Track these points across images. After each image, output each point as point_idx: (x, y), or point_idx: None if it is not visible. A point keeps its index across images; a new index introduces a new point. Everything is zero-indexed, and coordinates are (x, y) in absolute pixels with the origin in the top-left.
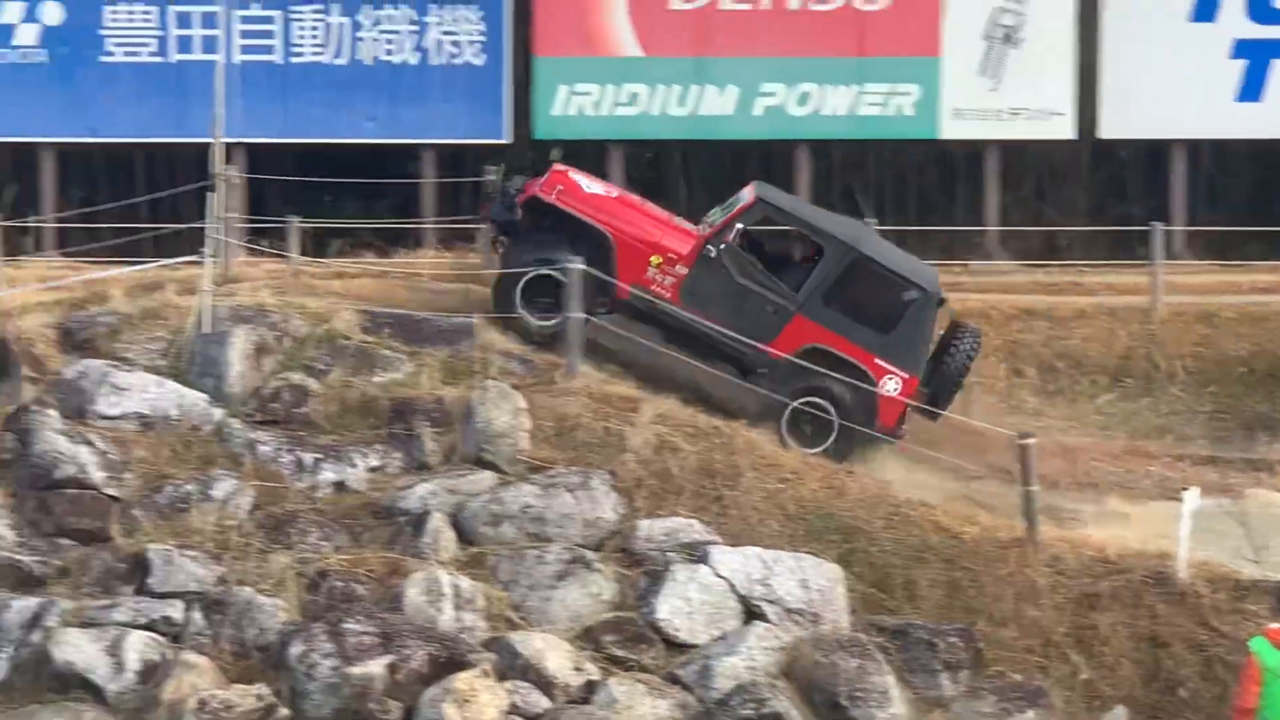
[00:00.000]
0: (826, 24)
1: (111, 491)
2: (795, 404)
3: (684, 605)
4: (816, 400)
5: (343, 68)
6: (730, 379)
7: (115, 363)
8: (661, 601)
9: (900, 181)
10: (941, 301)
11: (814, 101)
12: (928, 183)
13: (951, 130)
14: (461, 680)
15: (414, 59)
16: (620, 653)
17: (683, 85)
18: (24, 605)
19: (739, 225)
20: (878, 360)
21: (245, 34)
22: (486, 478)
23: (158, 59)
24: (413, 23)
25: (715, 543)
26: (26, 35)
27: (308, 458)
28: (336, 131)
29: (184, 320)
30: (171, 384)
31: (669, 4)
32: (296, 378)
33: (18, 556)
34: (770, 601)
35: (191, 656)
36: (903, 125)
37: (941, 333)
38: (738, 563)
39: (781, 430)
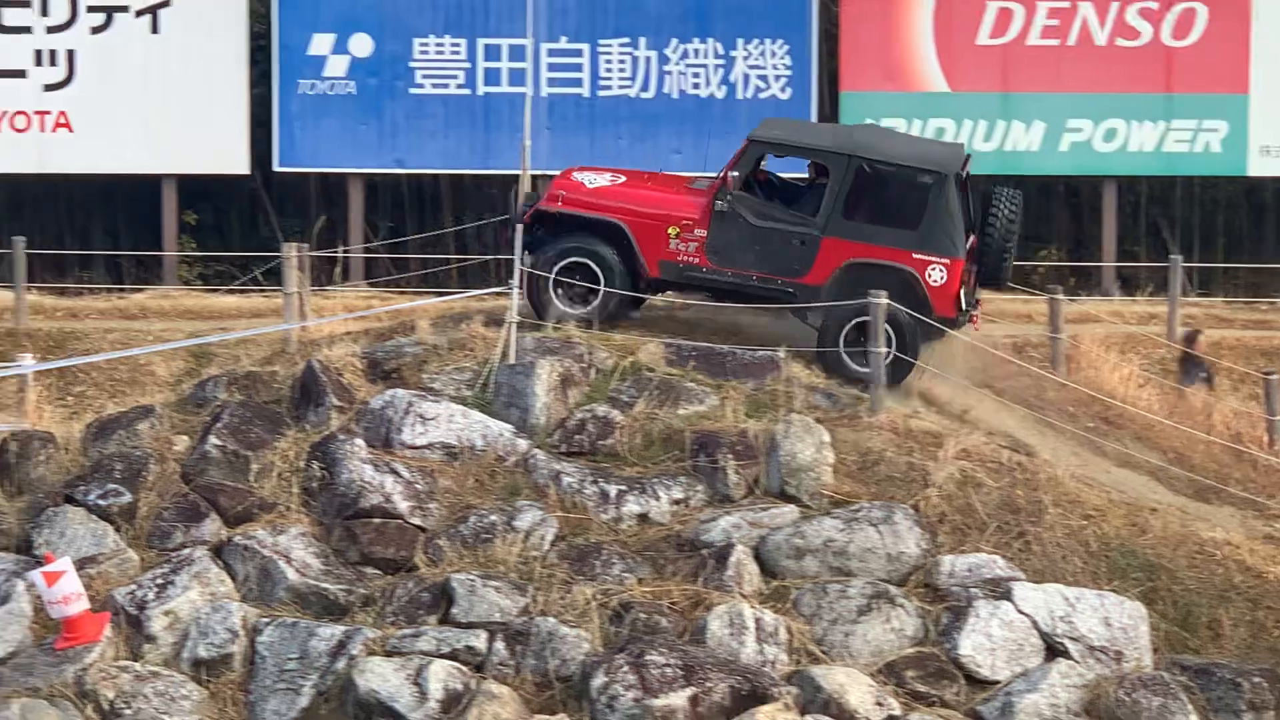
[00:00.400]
0: (1134, 60)
1: (416, 521)
2: (849, 326)
3: (986, 641)
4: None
5: (649, 101)
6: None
7: (421, 392)
8: (964, 638)
9: (1208, 217)
10: (961, 176)
11: (1120, 137)
12: (1235, 219)
13: (1259, 167)
14: (763, 714)
15: (720, 93)
16: (922, 688)
17: (989, 120)
18: (329, 633)
19: (735, 173)
20: (915, 255)
21: (553, 67)
22: (789, 511)
23: (465, 91)
24: (719, 57)
25: (1018, 579)
26: (336, 67)
27: (612, 489)
28: (642, 164)
29: (490, 351)
30: (477, 414)
31: (976, 39)
32: (601, 409)
33: (324, 585)
34: (1073, 639)
35: (494, 686)
36: (1210, 162)
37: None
38: (1040, 600)
39: (845, 360)
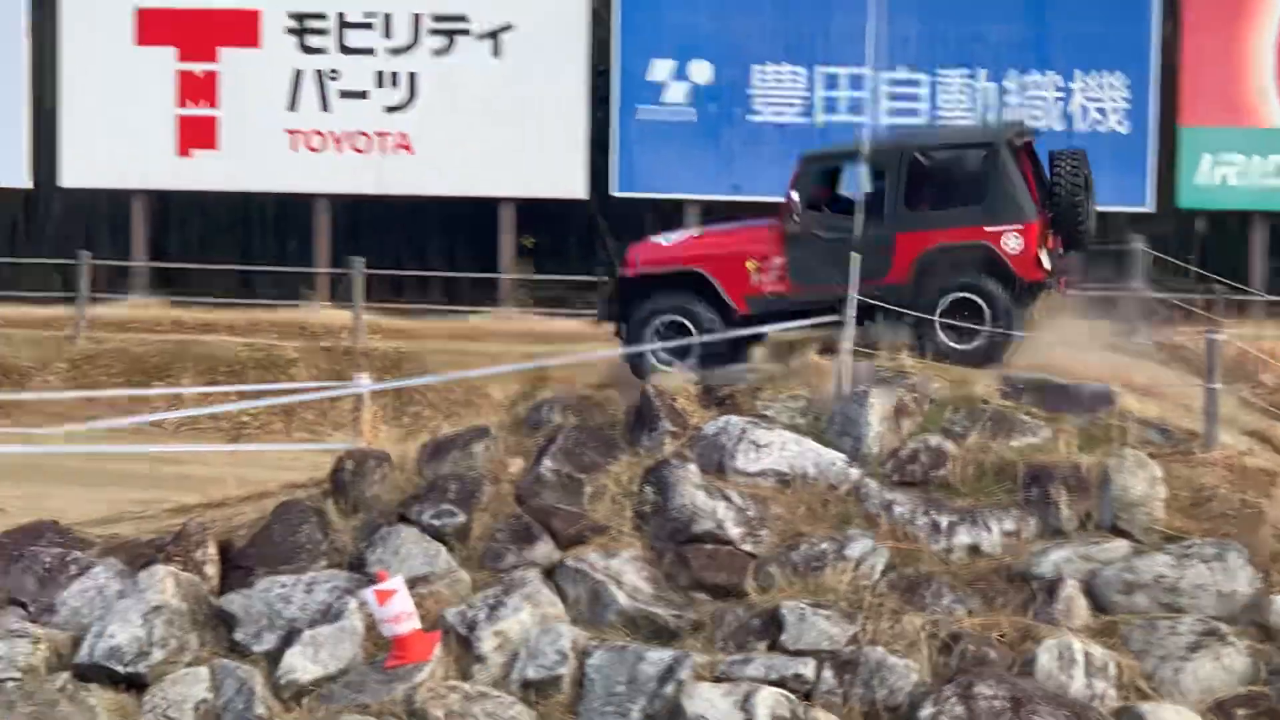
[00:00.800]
0: None
1: (748, 547)
2: (941, 310)
3: None
4: (964, 297)
5: None
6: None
7: (755, 419)
8: None
9: None
10: (1015, 142)
11: None
12: None
13: None
14: None
15: (1059, 125)
16: None
17: None
18: (658, 657)
19: (796, 193)
20: (987, 229)
21: (893, 96)
22: (1120, 546)
23: (803, 120)
24: (1058, 89)
25: None
26: (676, 93)
27: (943, 520)
28: None
29: (824, 380)
30: (809, 442)
31: None
32: (934, 440)
33: (654, 609)
34: None
35: (821, 714)
36: None
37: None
38: None
39: (939, 337)
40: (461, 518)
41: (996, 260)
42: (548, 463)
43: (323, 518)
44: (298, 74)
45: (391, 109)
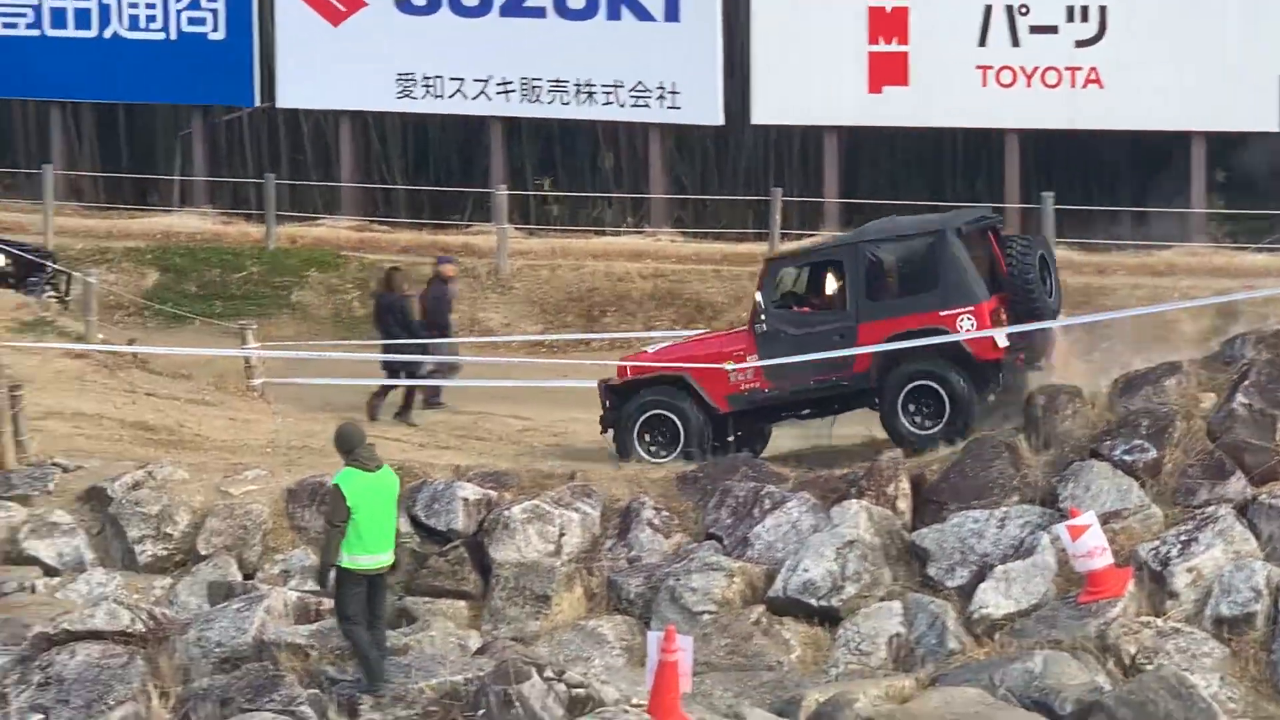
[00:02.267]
0: None
1: None
2: (903, 394)
3: None
4: (922, 384)
5: None
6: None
7: None
8: None
9: None
10: (963, 231)
11: None
12: None
13: None
14: None
15: None
16: None
17: None
18: None
19: (758, 297)
20: (942, 313)
21: None
22: None
23: None
24: None
25: None
26: None
27: None
28: None
29: None
30: None
31: None
32: None
33: None
34: None
35: None
36: None
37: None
38: None
39: (907, 426)
40: (1153, 453)
41: (953, 344)
42: (1240, 398)
43: (1014, 453)
44: (987, 9)
45: (1081, 43)
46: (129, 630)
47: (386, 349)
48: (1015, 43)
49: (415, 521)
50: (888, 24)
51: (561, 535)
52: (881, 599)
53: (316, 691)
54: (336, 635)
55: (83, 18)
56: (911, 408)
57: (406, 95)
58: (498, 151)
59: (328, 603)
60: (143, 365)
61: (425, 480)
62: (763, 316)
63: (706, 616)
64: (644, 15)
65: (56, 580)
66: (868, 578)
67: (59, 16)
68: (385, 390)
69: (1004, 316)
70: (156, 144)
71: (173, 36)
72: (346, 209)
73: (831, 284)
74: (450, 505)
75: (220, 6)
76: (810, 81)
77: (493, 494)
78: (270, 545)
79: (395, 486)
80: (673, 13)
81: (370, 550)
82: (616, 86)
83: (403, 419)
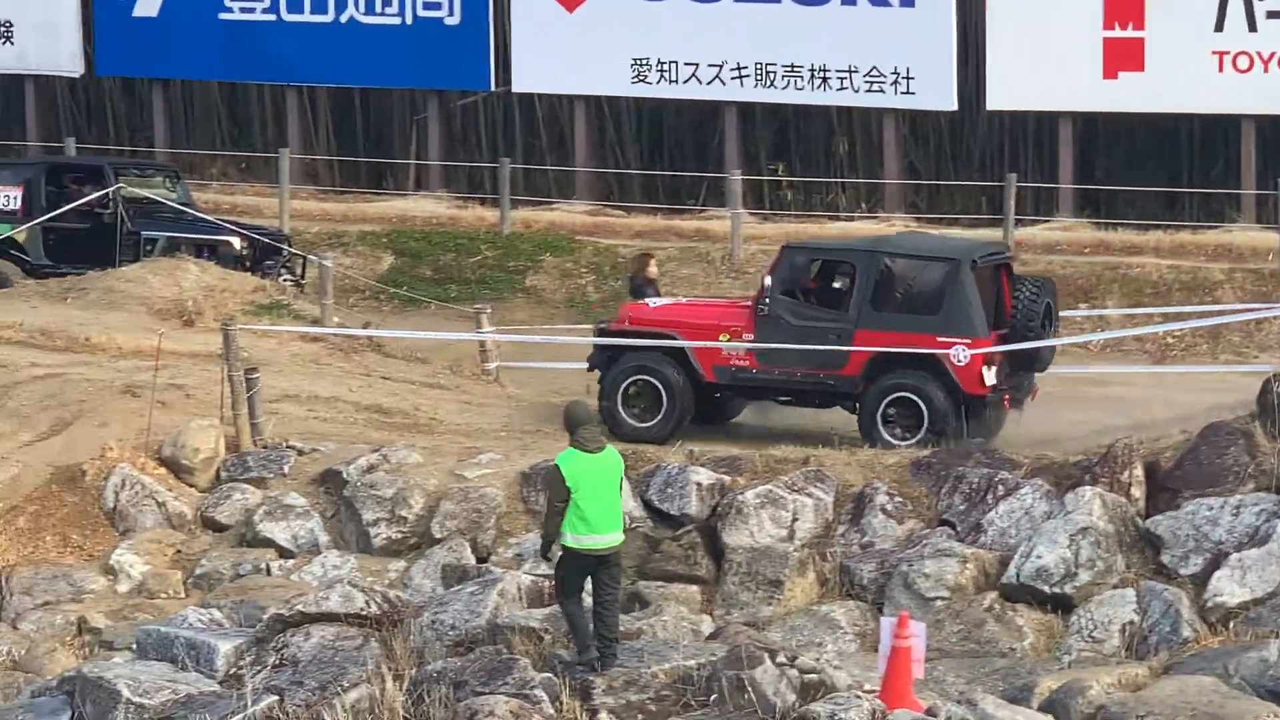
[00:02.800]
0: None
1: None
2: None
3: None
4: (902, 395)
5: None
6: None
7: None
8: None
9: None
10: (977, 264)
11: None
12: None
13: None
14: None
15: None
16: None
17: None
18: None
19: (766, 280)
20: (939, 338)
21: None
22: None
23: None
24: None
25: None
26: None
27: None
28: None
29: None
30: None
31: None
32: None
33: None
34: None
35: None
36: None
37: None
38: None
39: (884, 435)
40: None
41: (943, 369)
42: None
43: (1250, 440)
44: None
45: None
46: (363, 613)
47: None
48: (1252, 28)
49: (648, 506)
50: (1124, 9)
51: (794, 520)
52: (1115, 586)
53: (550, 675)
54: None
55: (319, 3)
56: (891, 415)
57: (641, 80)
58: (732, 137)
59: None
60: (378, 349)
61: (659, 465)
62: (767, 300)
63: (939, 602)
64: (879, 1)
65: (291, 563)
66: (1101, 565)
67: (295, 2)
68: None
69: (997, 356)
70: (392, 128)
71: (408, 21)
72: (581, 193)
73: (840, 283)
74: (683, 490)
75: None
76: (1045, 67)
77: (725, 479)
78: (504, 529)
79: (619, 468)
80: None
81: (595, 530)
82: (851, 72)
83: None
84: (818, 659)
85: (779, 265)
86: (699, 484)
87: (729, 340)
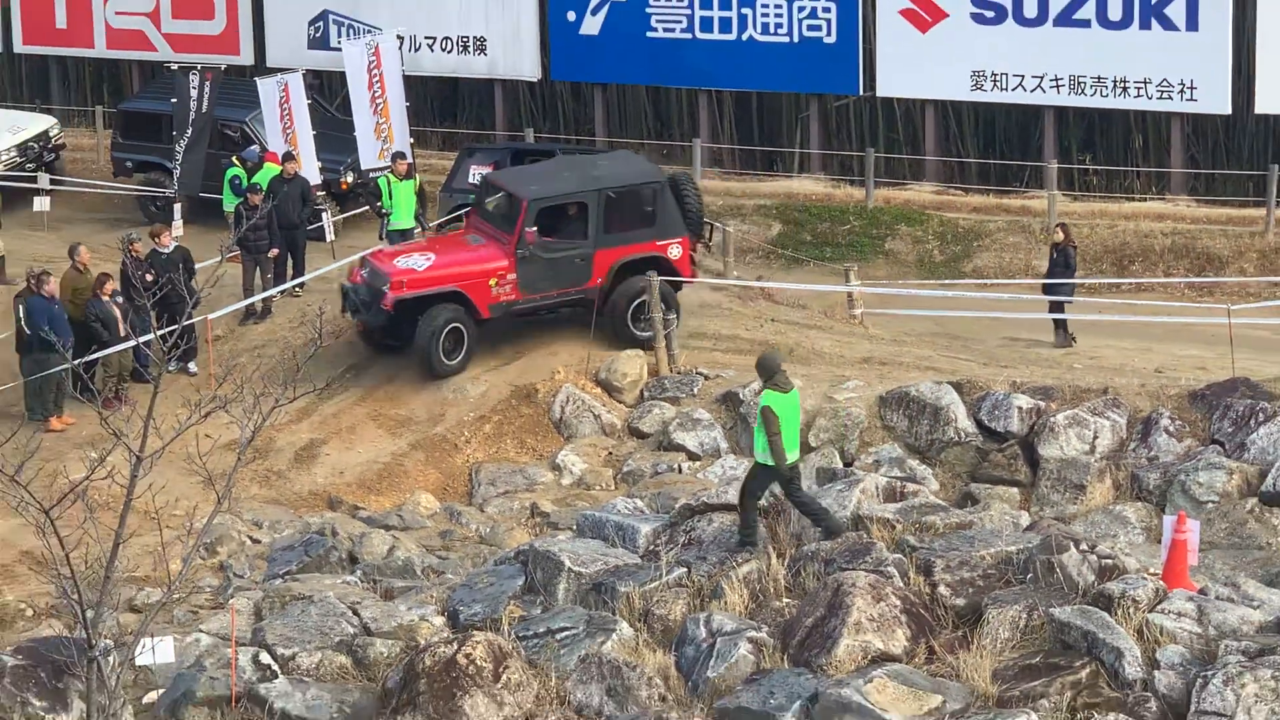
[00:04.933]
0: None
1: None
2: (631, 309)
3: None
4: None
5: None
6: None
7: None
8: None
9: None
10: (672, 180)
11: None
12: None
13: None
14: None
15: None
16: None
17: None
18: None
19: (530, 229)
20: (658, 242)
21: None
22: None
23: None
24: None
25: None
26: None
27: None
28: None
29: None
30: None
31: None
32: None
33: None
34: None
35: None
36: None
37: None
38: None
39: (633, 330)
40: None
41: (665, 265)
42: None
43: None
44: None
45: None
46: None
47: (1048, 289)
48: None
49: (979, 424)
50: None
51: (1095, 438)
52: None
53: (900, 556)
54: (917, 511)
55: (725, 24)
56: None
57: (978, 88)
58: (1049, 133)
59: (911, 486)
60: (768, 297)
61: (988, 391)
62: (529, 244)
63: (1210, 505)
64: (1169, 26)
65: (698, 464)
66: None
67: (706, 23)
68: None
69: (696, 245)
70: (781, 123)
71: (795, 40)
72: (929, 177)
73: (577, 218)
74: (1008, 412)
75: (833, 17)
76: None
77: (1041, 404)
78: (865, 440)
79: (799, 401)
80: (1193, 23)
81: (790, 450)
82: (1145, 83)
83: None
84: (1112, 547)
85: (526, 215)
86: (1020, 407)
87: (496, 282)
